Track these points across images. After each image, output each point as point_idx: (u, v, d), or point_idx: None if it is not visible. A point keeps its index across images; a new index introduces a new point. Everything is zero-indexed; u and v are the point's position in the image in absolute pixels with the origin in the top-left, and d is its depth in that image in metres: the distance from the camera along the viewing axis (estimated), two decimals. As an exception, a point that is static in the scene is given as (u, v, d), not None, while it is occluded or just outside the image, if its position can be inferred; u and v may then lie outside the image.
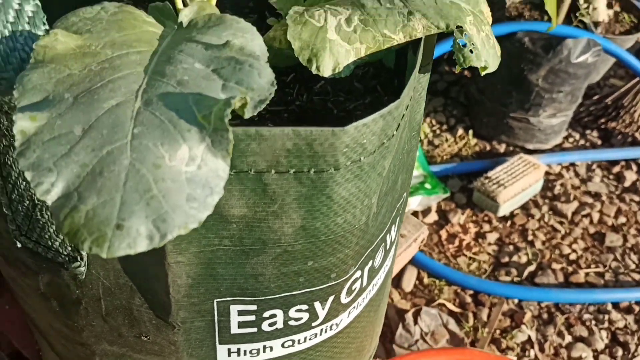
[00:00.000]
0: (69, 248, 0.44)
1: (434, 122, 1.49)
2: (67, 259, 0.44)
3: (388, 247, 0.52)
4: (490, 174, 1.29)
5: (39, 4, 0.35)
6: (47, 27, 0.36)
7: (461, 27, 0.43)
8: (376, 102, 0.56)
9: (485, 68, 0.44)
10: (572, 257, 1.23)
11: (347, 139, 0.37)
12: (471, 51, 0.43)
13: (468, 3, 0.45)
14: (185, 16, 0.39)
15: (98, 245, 0.26)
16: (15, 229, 0.45)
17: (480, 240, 1.24)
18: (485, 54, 0.44)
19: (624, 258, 1.24)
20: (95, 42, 0.34)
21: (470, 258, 1.21)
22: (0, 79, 0.35)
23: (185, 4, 0.45)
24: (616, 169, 1.42)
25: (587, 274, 1.20)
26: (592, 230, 1.29)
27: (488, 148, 1.45)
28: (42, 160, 0.28)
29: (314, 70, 0.42)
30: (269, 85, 0.33)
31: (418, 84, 0.48)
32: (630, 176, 1.40)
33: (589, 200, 1.35)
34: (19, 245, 0.45)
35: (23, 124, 0.29)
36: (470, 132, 1.46)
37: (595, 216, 1.31)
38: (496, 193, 1.25)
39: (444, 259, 1.20)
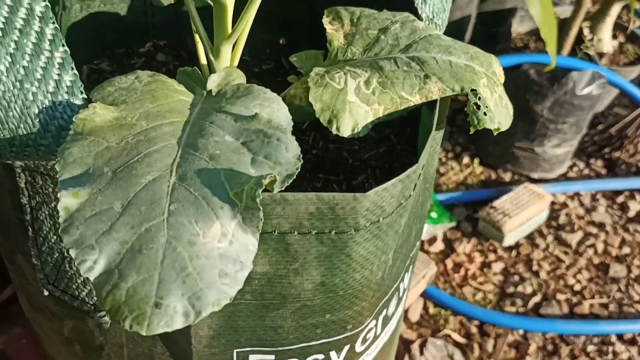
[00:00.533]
0: (95, 298, 0.45)
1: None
2: (92, 307, 0.46)
3: (401, 294, 0.53)
4: (495, 203, 1.31)
5: (77, 73, 0.37)
6: (84, 95, 0.38)
7: (475, 90, 0.45)
8: (390, 152, 0.58)
9: (498, 129, 0.46)
10: (577, 287, 1.24)
11: (368, 203, 0.39)
12: (485, 113, 0.45)
13: (482, 65, 0.47)
14: (213, 82, 0.41)
15: (138, 324, 0.28)
16: (43, 278, 0.46)
17: (485, 269, 1.25)
18: (499, 115, 0.46)
19: (628, 289, 1.25)
20: (131, 114, 0.36)
21: (475, 288, 1.22)
22: (39, 146, 0.37)
23: (210, 67, 0.47)
24: (620, 199, 1.44)
25: (591, 305, 1.21)
26: (596, 260, 1.30)
27: (493, 176, 1.46)
28: (85, 237, 0.30)
29: (334, 131, 0.44)
30: (296, 159, 0.34)
31: (433, 140, 0.49)
32: (634, 206, 1.41)
33: (594, 230, 1.36)
34: (45, 293, 0.47)
35: (67, 201, 0.31)
36: (476, 160, 1.48)
37: (600, 246, 1.32)
38: (501, 223, 1.26)
39: (449, 289, 1.21)
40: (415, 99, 0.45)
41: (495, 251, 1.29)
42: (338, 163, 0.56)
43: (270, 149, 0.35)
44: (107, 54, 0.63)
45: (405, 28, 0.48)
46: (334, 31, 0.48)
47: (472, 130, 0.46)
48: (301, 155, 0.35)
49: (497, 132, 0.46)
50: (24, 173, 0.40)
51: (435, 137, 0.51)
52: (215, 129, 0.36)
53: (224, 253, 0.30)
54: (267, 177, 0.32)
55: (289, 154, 0.34)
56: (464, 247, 1.29)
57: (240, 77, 0.42)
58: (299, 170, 0.34)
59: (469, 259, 1.27)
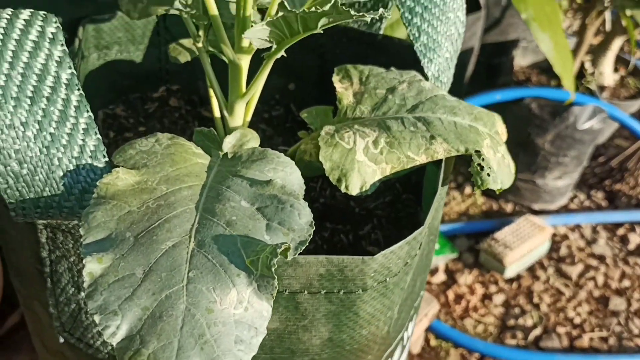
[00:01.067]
0: (110, 347, 0.47)
1: (442, 179, 1.52)
2: (107, 356, 0.47)
3: (405, 343, 0.55)
4: (496, 235, 1.32)
5: (100, 137, 0.39)
6: (106, 159, 0.39)
7: (479, 151, 0.47)
8: (395, 200, 0.59)
9: (500, 189, 0.47)
10: (577, 320, 1.25)
11: (376, 265, 0.40)
12: (488, 174, 0.47)
13: (485, 126, 0.49)
14: (228, 144, 0.43)
15: (159, 390, 0.29)
16: (59, 326, 0.48)
17: (486, 301, 1.26)
18: (501, 175, 0.47)
19: (628, 323, 1.26)
20: (152, 178, 0.38)
21: (476, 320, 1.23)
22: (63, 208, 0.38)
23: (224, 122, 0.49)
24: (621, 232, 1.45)
25: (591, 339, 1.22)
26: (596, 293, 1.31)
27: (495, 207, 1.48)
28: (108, 303, 0.31)
29: (342, 189, 0.45)
30: (308, 226, 0.36)
31: (439, 196, 0.51)
32: (634, 239, 1.43)
33: (594, 262, 1.37)
34: (61, 340, 0.48)
35: (91, 267, 0.32)
36: (478, 190, 1.50)
37: (600, 279, 1.33)
38: (502, 255, 1.28)
39: (450, 321, 1.22)
40: (421, 159, 0.47)
41: (496, 283, 1.30)
42: (345, 211, 0.58)
43: (284, 216, 0.36)
44: (122, 99, 0.65)
45: (412, 88, 0.50)
46: (344, 90, 0.50)
47: (475, 190, 0.47)
48: (313, 222, 0.36)
49: (499, 192, 0.48)
50: (45, 229, 0.42)
51: (441, 193, 0.52)
52: (232, 194, 0.37)
53: (240, 319, 0.32)
54: (282, 246, 0.34)
55: (302, 221, 0.36)
56: (466, 278, 1.30)
57: (254, 139, 0.43)
58: (311, 236, 0.36)
59: (470, 290, 1.28)
